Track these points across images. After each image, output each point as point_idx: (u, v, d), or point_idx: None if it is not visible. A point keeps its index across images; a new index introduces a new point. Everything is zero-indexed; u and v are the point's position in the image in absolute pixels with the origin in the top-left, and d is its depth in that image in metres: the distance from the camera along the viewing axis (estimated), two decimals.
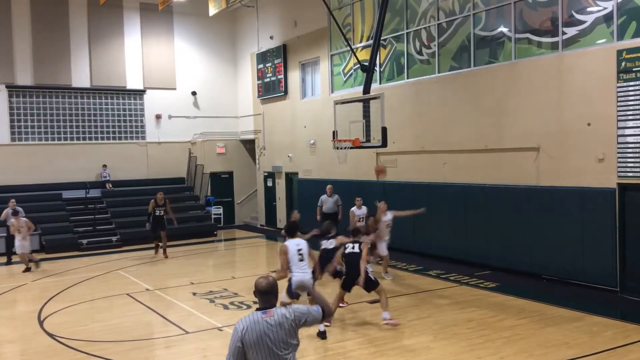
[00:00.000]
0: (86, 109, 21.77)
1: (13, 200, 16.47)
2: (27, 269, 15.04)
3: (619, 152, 10.86)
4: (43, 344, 8.93)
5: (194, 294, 12.06)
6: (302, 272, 8.50)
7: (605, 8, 11.12)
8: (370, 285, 9.32)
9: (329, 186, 16.23)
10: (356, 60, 15.04)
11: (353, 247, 9.53)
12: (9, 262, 16.30)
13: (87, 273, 14.73)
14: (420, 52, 15.57)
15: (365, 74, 13.48)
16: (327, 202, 16.03)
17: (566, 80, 11.80)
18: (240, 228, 23.53)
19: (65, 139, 21.44)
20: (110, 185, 21.59)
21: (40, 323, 10.09)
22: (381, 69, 16.72)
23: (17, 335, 9.67)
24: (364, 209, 14.10)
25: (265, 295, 4.20)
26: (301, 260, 8.54)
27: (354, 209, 14.23)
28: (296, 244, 8.66)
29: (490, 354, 7.94)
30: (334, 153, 14.50)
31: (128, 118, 22.54)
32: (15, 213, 15.78)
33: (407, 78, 15.93)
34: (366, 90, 13.36)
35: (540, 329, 8.93)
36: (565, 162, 11.88)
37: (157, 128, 22.96)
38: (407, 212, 12.97)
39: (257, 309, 4.20)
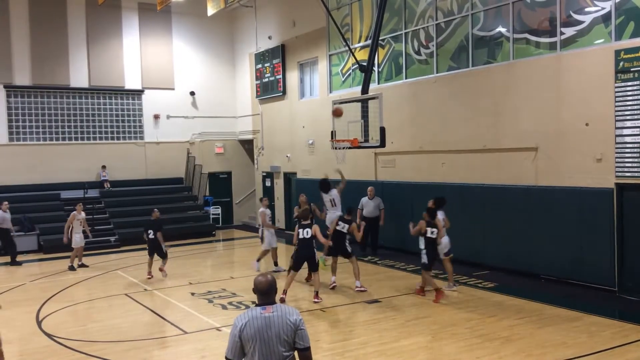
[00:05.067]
0: (84, 109, 21.75)
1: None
2: None
3: (617, 152, 10.88)
4: (41, 344, 8.93)
5: (193, 294, 12.06)
6: None
7: (603, 8, 11.13)
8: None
9: (370, 188, 15.20)
10: (354, 60, 15.04)
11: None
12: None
13: (86, 273, 14.72)
14: (418, 52, 15.58)
15: (363, 74, 13.47)
16: (368, 205, 14.93)
17: (564, 81, 11.81)
18: (238, 228, 23.52)
19: (64, 139, 21.42)
20: (109, 185, 21.58)
21: (39, 323, 10.08)
22: (379, 69, 16.73)
23: (15, 335, 9.63)
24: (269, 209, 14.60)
25: (265, 293, 4.26)
26: None
27: (264, 209, 14.34)
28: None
29: (488, 353, 7.95)
30: (333, 153, 14.49)
31: (126, 118, 22.53)
32: None
33: (406, 78, 15.93)
34: (364, 90, 13.36)
35: (538, 329, 8.94)
36: (563, 162, 11.89)
37: (156, 128, 22.95)
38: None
39: (256, 305, 4.24)
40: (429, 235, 10.90)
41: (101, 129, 22.07)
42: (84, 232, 15.27)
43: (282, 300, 10.56)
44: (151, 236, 13.77)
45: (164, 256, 13.92)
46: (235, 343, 4.13)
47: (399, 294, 11.45)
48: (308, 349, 4.22)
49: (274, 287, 4.29)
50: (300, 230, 11.02)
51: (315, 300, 10.90)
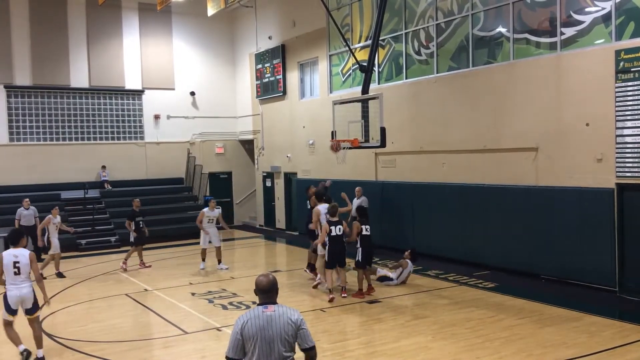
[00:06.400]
0: (85, 109, 21.77)
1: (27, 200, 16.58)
2: None
3: (617, 152, 10.87)
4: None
5: (193, 294, 12.06)
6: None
7: (603, 8, 11.13)
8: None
9: (357, 188, 15.33)
10: (355, 61, 15.04)
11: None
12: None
13: (86, 273, 14.72)
14: (418, 53, 15.58)
15: (363, 74, 13.48)
16: (354, 204, 14.79)
17: (564, 81, 11.81)
18: (239, 228, 23.51)
19: (64, 139, 21.43)
20: (109, 186, 21.58)
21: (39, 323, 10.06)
22: (380, 69, 16.73)
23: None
24: (217, 210, 14.81)
25: (266, 293, 4.28)
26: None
27: (206, 209, 14.61)
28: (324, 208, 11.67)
29: (489, 354, 7.94)
30: (333, 153, 14.49)
31: (127, 118, 22.54)
32: None
33: (406, 78, 15.93)
34: (365, 90, 13.36)
35: (538, 329, 8.94)
36: (563, 162, 11.89)
37: (156, 128, 22.96)
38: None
39: (258, 305, 4.25)
40: (364, 233, 11.34)
41: (101, 129, 22.08)
42: (65, 231, 14.91)
43: (332, 300, 10.91)
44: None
45: (130, 244, 15.14)
46: (237, 341, 4.14)
47: (399, 294, 11.45)
48: (313, 348, 4.26)
49: (276, 286, 4.31)
50: (333, 228, 11.11)
51: (344, 295, 11.17)
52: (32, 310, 8.09)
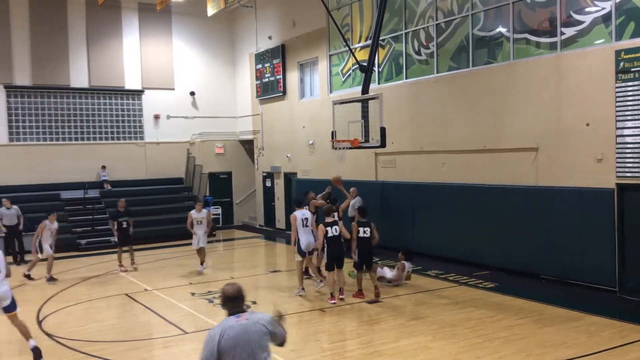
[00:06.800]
0: (84, 109, 21.77)
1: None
2: None
3: (617, 153, 10.87)
4: (41, 345, 8.86)
5: (193, 294, 12.06)
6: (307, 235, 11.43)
7: (603, 8, 11.13)
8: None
9: (352, 189, 15.11)
10: (355, 61, 15.04)
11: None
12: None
13: (86, 273, 14.72)
14: (418, 53, 15.58)
15: (363, 74, 13.47)
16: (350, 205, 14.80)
17: (565, 81, 11.81)
18: (239, 228, 23.52)
19: (64, 139, 21.43)
20: (109, 186, 21.58)
21: (39, 323, 10.07)
22: (380, 69, 16.72)
23: (15, 335, 9.62)
24: (204, 212, 14.75)
25: (235, 301, 4.30)
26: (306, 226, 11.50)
27: (193, 212, 14.61)
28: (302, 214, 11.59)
29: (488, 353, 7.94)
30: (333, 153, 14.50)
31: (126, 118, 22.54)
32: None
33: (406, 78, 15.93)
34: (365, 90, 13.36)
35: (538, 329, 8.94)
36: (563, 163, 11.89)
37: (156, 128, 22.96)
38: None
39: (229, 314, 4.27)
40: (361, 234, 11.12)
41: (101, 129, 22.08)
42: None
43: (334, 303, 10.69)
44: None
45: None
46: (212, 354, 4.09)
47: (399, 294, 11.45)
48: (284, 342, 4.44)
49: (242, 293, 4.35)
50: (329, 229, 10.87)
51: (341, 297, 10.99)
52: (10, 308, 8.18)
